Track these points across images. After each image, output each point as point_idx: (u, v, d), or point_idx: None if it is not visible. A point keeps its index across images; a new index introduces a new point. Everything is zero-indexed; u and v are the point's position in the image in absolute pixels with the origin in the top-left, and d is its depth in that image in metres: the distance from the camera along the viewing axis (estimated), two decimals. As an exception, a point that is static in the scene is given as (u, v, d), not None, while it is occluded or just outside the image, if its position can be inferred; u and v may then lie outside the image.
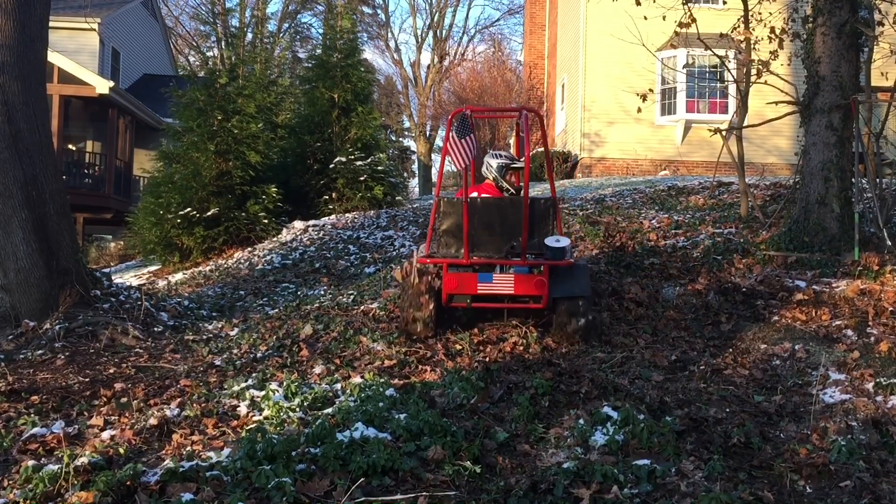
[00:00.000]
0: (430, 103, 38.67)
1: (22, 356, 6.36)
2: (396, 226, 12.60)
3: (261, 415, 4.54)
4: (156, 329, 7.31)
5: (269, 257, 11.47)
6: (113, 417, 4.59)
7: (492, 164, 6.30)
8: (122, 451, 3.94)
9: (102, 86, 21.59)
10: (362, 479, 3.42)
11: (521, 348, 5.66)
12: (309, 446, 3.76)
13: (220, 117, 13.80)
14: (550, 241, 5.59)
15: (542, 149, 6.60)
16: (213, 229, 13.30)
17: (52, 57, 17.35)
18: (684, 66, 17.98)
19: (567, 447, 3.90)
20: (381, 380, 4.90)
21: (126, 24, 26.49)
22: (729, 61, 12.50)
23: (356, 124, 14.83)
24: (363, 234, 12.11)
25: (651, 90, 10.39)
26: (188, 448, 4.00)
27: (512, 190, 6.25)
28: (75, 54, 22.34)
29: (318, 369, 5.44)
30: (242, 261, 11.83)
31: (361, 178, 14.41)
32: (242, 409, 4.67)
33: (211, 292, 9.80)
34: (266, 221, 13.59)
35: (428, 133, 38.68)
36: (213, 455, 3.82)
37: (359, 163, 14.48)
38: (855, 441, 3.95)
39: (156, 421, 4.34)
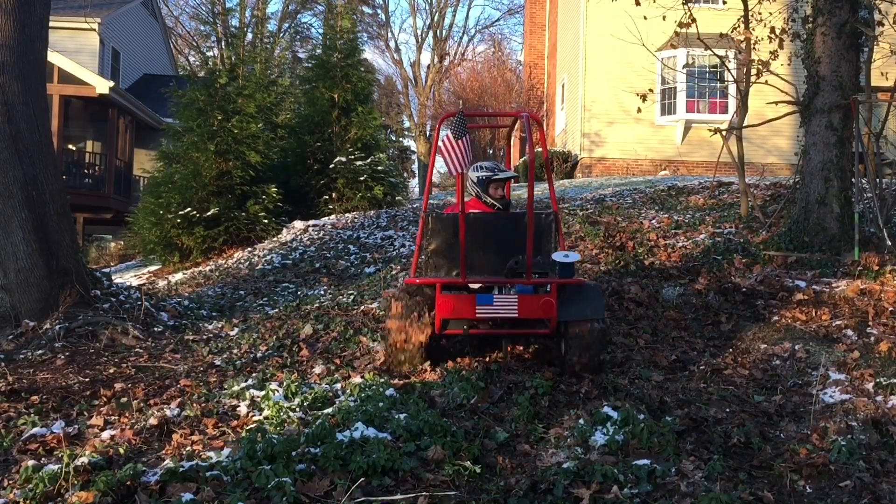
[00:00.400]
0: (430, 103, 38.70)
1: (22, 356, 6.36)
2: (396, 226, 12.60)
3: (261, 415, 4.53)
4: (156, 329, 7.31)
5: (269, 257, 11.47)
6: (113, 417, 4.59)
7: (471, 177, 5.61)
8: (122, 451, 3.94)
9: (102, 86, 21.60)
10: (362, 479, 3.42)
11: (521, 348, 5.66)
12: (309, 446, 3.76)
13: (220, 117, 13.80)
14: (559, 257, 4.96)
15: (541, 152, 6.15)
16: (213, 229, 13.30)
17: (52, 57, 17.35)
18: (684, 66, 17.98)
19: (567, 447, 3.90)
20: (381, 380, 4.90)
21: (126, 24, 26.49)
22: (729, 61, 12.51)
23: (356, 124, 14.84)
24: (363, 234, 12.11)
25: (651, 90, 10.40)
26: (188, 448, 4.00)
27: (497, 204, 5.54)
28: (75, 54, 22.34)
29: (318, 369, 5.44)
30: (242, 261, 11.83)
31: (361, 178, 14.42)
32: (242, 409, 4.67)
33: (211, 292, 9.80)
34: (266, 221, 13.59)
35: (428, 133, 38.68)
36: (213, 455, 3.82)
37: (359, 163, 14.48)
38: (855, 441, 3.95)
39: (156, 421, 4.34)
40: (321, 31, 29.85)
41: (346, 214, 13.86)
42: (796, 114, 8.84)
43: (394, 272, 9.24)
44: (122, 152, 24.00)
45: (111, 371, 5.79)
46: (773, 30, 9.24)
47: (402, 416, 4.05)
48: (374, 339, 6.03)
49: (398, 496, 3.30)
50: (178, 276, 12.02)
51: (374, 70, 22.92)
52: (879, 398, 4.62)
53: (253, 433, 3.98)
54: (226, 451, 3.90)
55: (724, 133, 9.86)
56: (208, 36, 32.42)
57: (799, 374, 5.15)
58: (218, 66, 15.43)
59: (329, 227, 12.93)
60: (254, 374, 5.44)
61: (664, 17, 10.03)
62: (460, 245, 4.81)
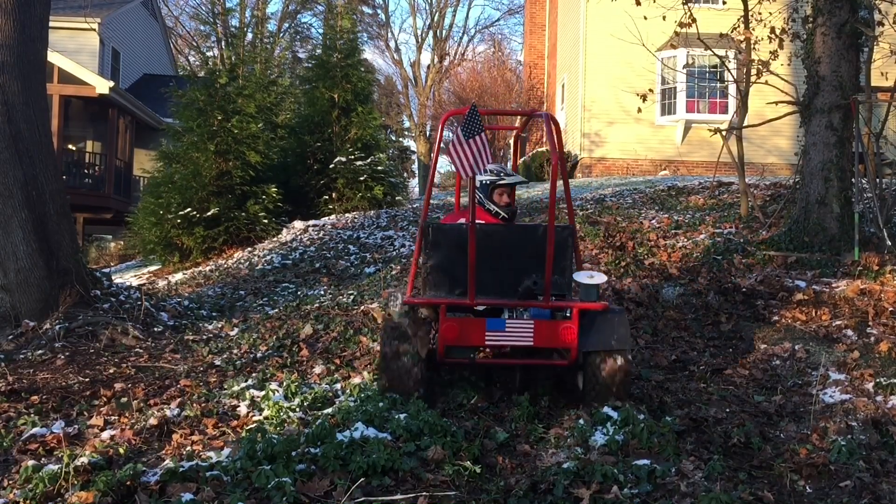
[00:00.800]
0: (430, 103, 38.71)
1: (22, 356, 6.36)
2: (396, 226, 12.60)
3: (261, 415, 4.54)
4: (156, 329, 7.31)
5: (269, 257, 11.47)
6: (113, 417, 4.59)
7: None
8: (122, 451, 3.94)
9: (102, 86, 21.59)
10: (362, 479, 3.42)
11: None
12: (309, 446, 3.76)
13: (220, 117, 13.80)
14: (582, 277, 4.44)
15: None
16: (213, 229, 13.30)
17: (52, 57, 17.35)
18: (684, 66, 17.98)
19: (567, 447, 3.90)
20: (381, 380, 4.89)
21: (126, 24, 26.49)
22: (729, 61, 12.51)
23: (356, 124, 14.84)
24: (363, 234, 12.11)
25: (651, 90, 10.40)
26: (188, 448, 4.00)
27: (503, 213, 4.92)
28: (75, 54, 22.34)
29: (318, 369, 5.44)
30: (242, 261, 11.83)
31: (361, 178, 14.42)
32: (242, 409, 4.67)
33: (211, 292, 9.80)
34: (266, 221, 13.59)
35: (428, 133, 38.69)
36: (213, 455, 3.82)
37: (359, 163, 14.49)
38: (855, 441, 3.95)
39: (156, 421, 4.34)
40: (321, 31, 29.87)
41: (346, 214, 13.86)
42: (796, 114, 8.84)
43: (394, 272, 9.24)
44: (122, 152, 24.00)
45: (111, 371, 5.79)
46: (773, 30, 9.24)
47: (402, 416, 4.05)
48: (374, 340, 6.03)
49: (398, 496, 3.30)
50: (178, 276, 12.02)
51: (374, 70, 22.94)
52: (879, 398, 4.62)
53: (253, 433, 3.98)
54: (226, 451, 3.91)
55: (724, 133, 9.86)
56: (208, 36, 32.43)
57: (799, 374, 5.15)
58: (218, 66, 15.44)
59: (329, 227, 12.93)
60: (254, 374, 5.44)
61: (664, 17, 10.03)
62: (469, 261, 4.14)
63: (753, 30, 9.76)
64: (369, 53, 47.98)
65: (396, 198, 15.33)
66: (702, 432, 4.15)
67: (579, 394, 4.50)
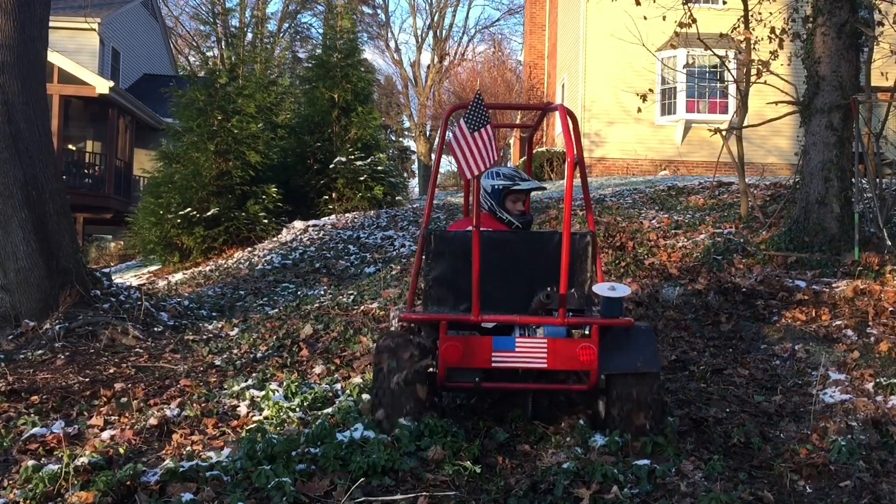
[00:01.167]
0: (430, 103, 38.71)
1: (22, 356, 6.36)
2: (396, 226, 12.61)
3: (261, 415, 4.54)
4: (156, 329, 7.31)
5: (269, 257, 11.47)
6: (113, 417, 4.59)
7: (484, 186, 4.52)
8: (122, 451, 3.94)
9: (102, 86, 21.60)
10: (362, 479, 3.42)
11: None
12: (309, 446, 3.76)
13: (220, 117, 13.81)
14: (602, 289, 3.86)
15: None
16: (213, 229, 13.31)
17: (52, 57, 17.35)
18: (684, 66, 17.98)
19: (567, 447, 3.90)
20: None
21: (126, 24, 26.49)
22: (729, 61, 12.50)
23: (356, 124, 14.85)
24: (363, 234, 12.11)
25: (651, 90, 10.39)
26: (188, 448, 4.00)
27: (516, 222, 4.48)
28: (75, 54, 22.34)
29: (318, 369, 5.44)
30: (242, 261, 11.83)
31: (361, 178, 14.43)
32: (242, 409, 4.67)
33: (211, 292, 9.80)
34: (266, 221, 13.60)
35: (428, 133, 38.69)
36: (213, 455, 3.82)
37: (359, 163, 14.49)
38: (855, 441, 3.95)
39: (156, 421, 4.34)
40: (321, 31, 29.89)
41: (346, 214, 13.87)
42: (796, 114, 8.84)
43: (394, 272, 9.24)
44: (122, 152, 24.01)
45: (111, 371, 5.79)
46: (773, 30, 9.24)
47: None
48: (374, 340, 6.03)
49: (398, 496, 3.30)
50: (178, 276, 12.02)
51: (374, 70, 22.92)
52: (879, 398, 4.62)
53: (253, 433, 3.98)
54: (226, 451, 3.91)
55: (724, 133, 9.86)
56: (208, 36, 32.44)
57: (799, 374, 5.15)
58: (218, 66, 15.45)
59: (329, 227, 12.93)
60: (254, 374, 5.44)
61: (664, 17, 10.03)
62: (473, 271, 3.71)
63: (753, 30, 9.76)
64: (369, 53, 48.05)
65: (396, 198, 15.33)
66: (702, 432, 4.15)
67: (601, 422, 4.01)
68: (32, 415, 4.58)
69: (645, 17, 9.65)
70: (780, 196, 10.58)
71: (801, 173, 8.33)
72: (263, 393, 4.87)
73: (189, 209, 13.28)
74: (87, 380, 5.50)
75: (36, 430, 4.28)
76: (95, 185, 22.87)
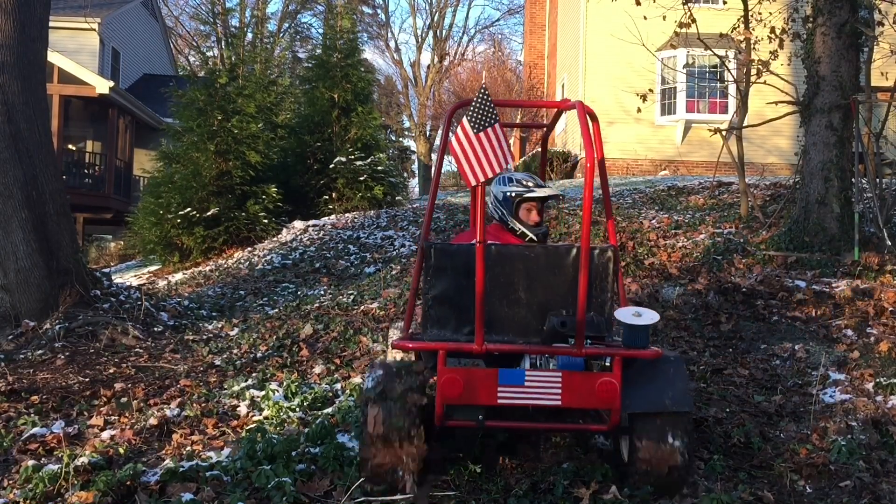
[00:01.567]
0: (430, 103, 38.70)
1: (22, 356, 6.36)
2: (396, 226, 12.61)
3: (261, 415, 4.54)
4: (156, 329, 7.31)
5: (269, 257, 11.47)
6: (113, 417, 4.59)
7: (494, 193, 4.09)
8: (122, 451, 3.94)
9: (102, 86, 21.60)
10: (362, 479, 3.42)
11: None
12: (309, 446, 3.77)
13: (220, 117, 13.81)
14: (626, 316, 3.37)
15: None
16: (213, 229, 13.31)
17: (52, 57, 17.35)
18: (684, 66, 17.97)
19: (567, 447, 3.90)
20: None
21: (126, 24, 26.49)
22: (729, 61, 12.50)
23: (356, 124, 14.84)
24: (363, 234, 12.11)
25: (651, 90, 10.40)
26: (188, 448, 4.00)
27: (530, 234, 4.03)
28: (75, 54, 22.34)
29: (318, 369, 5.44)
30: (242, 261, 11.83)
31: (361, 178, 14.42)
32: (242, 409, 4.68)
33: (211, 292, 9.80)
34: (266, 221, 13.60)
35: (428, 133, 38.70)
36: (213, 455, 3.82)
37: (359, 163, 14.49)
38: (855, 441, 3.95)
39: (156, 421, 4.34)
40: (321, 31, 29.89)
41: (346, 214, 13.87)
42: (796, 114, 8.84)
43: (394, 272, 9.24)
44: (122, 152, 24.01)
45: (111, 371, 5.79)
46: (773, 30, 9.24)
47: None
48: (375, 340, 6.03)
49: (398, 496, 3.30)
50: (178, 276, 12.02)
51: (374, 70, 22.93)
52: (879, 398, 4.62)
53: (253, 433, 3.98)
54: (226, 451, 3.91)
55: (724, 133, 9.86)
56: (208, 36, 32.40)
57: (799, 374, 5.15)
58: (218, 66, 15.45)
59: (329, 227, 12.93)
60: (254, 374, 5.45)
61: (664, 17, 10.03)
62: (476, 292, 3.23)
63: (753, 30, 9.76)
64: (369, 53, 48.04)
65: (396, 198, 15.33)
66: (702, 432, 4.15)
67: (623, 466, 3.54)
68: (32, 415, 4.58)
69: (645, 17, 9.65)
70: (780, 196, 10.59)
71: (801, 173, 8.33)
72: (263, 393, 4.87)
73: (189, 209, 13.28)
74: (87, 380, 5.50)
75: (36, 430, 4.28)
76: (95, 185, 22.87)
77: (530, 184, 4.04)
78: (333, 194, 14.49)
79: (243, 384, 5.12)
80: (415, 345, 3.47)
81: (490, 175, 3.11)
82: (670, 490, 3.38)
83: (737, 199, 10.99)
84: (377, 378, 3.32)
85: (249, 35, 26.06)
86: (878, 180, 8.20)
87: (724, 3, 18.47)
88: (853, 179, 7.90)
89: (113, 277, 9.09)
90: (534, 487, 3.45)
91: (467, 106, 3.30)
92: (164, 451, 4.00)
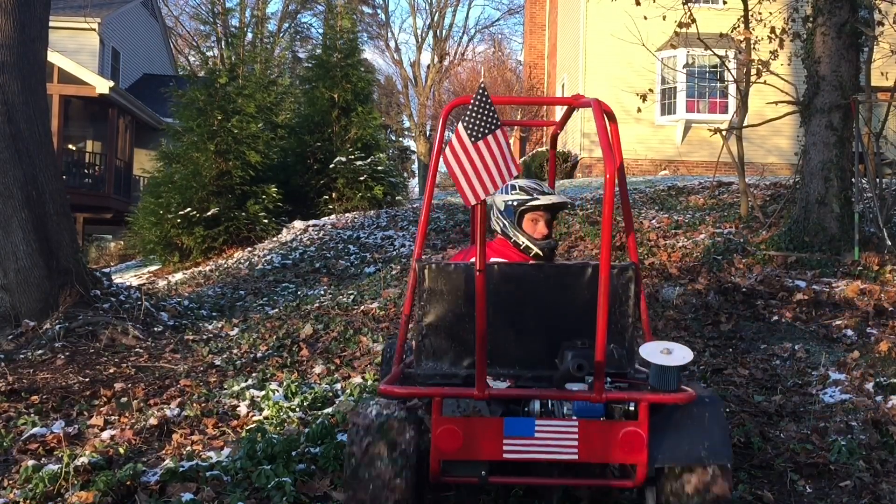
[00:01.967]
0: (430, 103, 38.71)
1: (22, 356, 6.36)
2: (396, 226, 12.61)
3: (261, 415, 4.54)
4: (156, 329, 7.31)
5: (269, 257, 11.47)
6: (113, 417, 4.59)
7: (495, 202, 3.60)
8: (122, 451, 3.94)
9: (102, 86, 21.60)
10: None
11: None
12: (309, 446, 3.77)
13: (220, 117, 13.81)
14: (653, 354, 2.87)
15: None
16: (213, 229, 13.31)
17: (52, 57, 17.35)
18: (684, 66, 17.97)
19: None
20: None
21: (126, 24, 26.49)
22: (729, 61, 12.51)
23: (356, 124, 14.85)
24: (363, 234, 12.11)
25: (651, 90, 10.42)
26: (188, 448, 4.00)
27: (536, 249, 3.52)
28: (75, 54, 22.34)
29: (318, 369, 5.45)
30: (242, 261, 11.83)
31: (361, 178, 14.43)
32: (242, 409, 4.68)
33: (211, 292, 9.80)
34: (266, 221, 13.60)
35: (428, 133, 38.70)
36: (213, 455, 3.82)
37: (359, 163, 14.49)
38: (855, 441, 3.95)
39: (156, 421, 4.34)
40: (321, 31, 29.87)
41: (346, 214, 13.87)
42: (796, 114, 8.85)
43: (394, 272, 9.24)
44: (122, 152, 24.01)
45: (111, 371, 5.79)
46: (773, 30, 9.25)
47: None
48: (375, 340, 6.03)
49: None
50: (178, 276, 12.03)
51: (374, 70, 22.93)
52: (879, 398, 4.62)
53: (253, 433, 3.98)
54: (226, 451, 3.91)
55: (724, 133, 9.87)
56: (208, 36, 32.39)
57: (799, 374, 5.15)
58: (218, 66, 15.45)
59: (329, 227, 12.94)
60: (254, 374, 5.45)
61: (664, 17, 10.03)
62: (477, 330, 2.70)
63: (753, 30, 9.77)
64: (369, 53, 48.04)
65: (396, 198, 15.33)
66: (702, 432, 4.15)
67: None
68: (32, 415, 4.58)
69: (645, 17, 9.66)
70: (780, 196, 10.59)
71: (801, 173, 8.33)
72: (263, 393, 4.87)
73: (189, 209, 13.29)
74: (87, 380, 5.50)
75: (36, 430, 4.28)
76: (95, 185, 22.87)
77: (535, 191, 3.55)
78: (333, 194, 14.49)
79: (243, 384, 5.12)
80: (404, 391, 2.94)
81: (491, 192, 2.65)
82: None
83: (737, 199, 10.99)
84: (358, 437, 2.82)
85: (249, 35, 26.05)
86: (878, 180, 8.20)
87: (724, 3, 18.47)
88: (853, 179, 7.90)
89: (113, 277, 9.10)
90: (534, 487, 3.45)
91: (464, 105, 2.89)
92: (164, 451, 4.00)
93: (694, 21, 9.57)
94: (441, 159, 2.59)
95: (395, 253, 10.80)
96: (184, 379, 5.41)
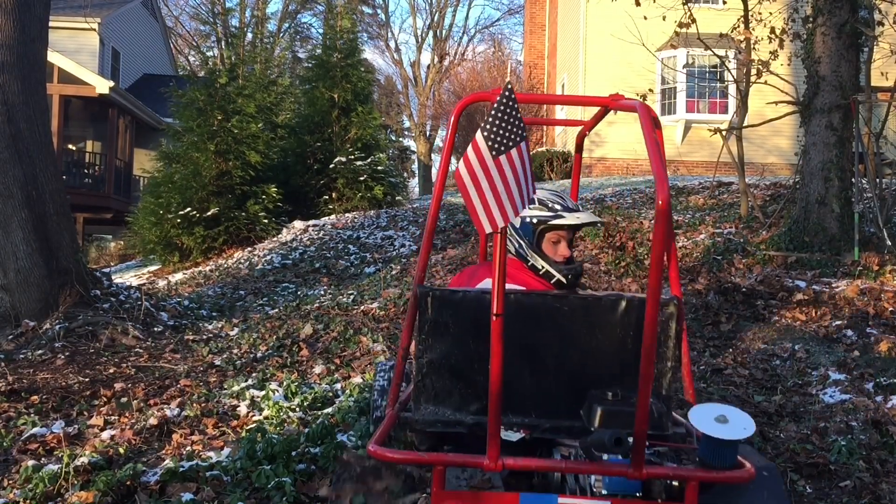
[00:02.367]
0: (430, 103, 38.71)
1: (22, 356, 6.36)
2: (396, 226, 12.61)
3: (261, 415, 4.54)
4: (156, 329, 7.31)
5: (269, 257, 11.47)
6: (113, 417, 4.59)
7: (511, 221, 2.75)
8: (122, 451, 3.94)
9: (102, 86, 21.60)
10: (362, 480, 3.42)
11: None
12: (309, 446, 3.76)
13: (220, 117, 13.81)
14: (703, 421, 2.29)
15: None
16: (213, 229, 13.31)
17: (52, 57, 17.36)
18: (684, 66, 17.98)
19: (567, 447, 3.89)
20: (381, 380, 4.89)
21: (126, 24, 26.50)
22: (729, 61, 12.51)
23: (356, 124, 14.85)
24: (363, 234, 12.11)
25: (651, 90, 10.41)
26: (188, 448, 4.00)
27: (558, 274, 2.94)
28: (75, 54, 22.35)
29: (318, 369, 5.44)
30: (242, 261, 11.83)
31: (361, 178, 14.43)
32: (242, 409, 4.67)
33: (211, 292, 9.80)
34: (266, 221, 13.61)
35: (428, 133, 38.71)
36: (213, 455, 3.82)
37: (359, 163, 14.50)
38: (855, 441, 3.95)
39: (156, 421, 4.34)
40: (321, 31, 29.87)
41: (346, 214, 13.87)
42: (796, 114, 8.85)
43: (394, 272, 9.24)
44: (122, 152, 24.01)
45: (111, 371, 5.79)
46: (773, 30, 9.25)
47: (402, 415, 4.05)
48: (375, 340, 6.03)
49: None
50: (178, 276, 12.02)
51: (374, 70, 22.97)
52: (879, 398, 4.62)
53: (253, 433, 3.98)
54: (226, 451, 3.91)
55: (724, 133, 9.87)
56: (208, 36, 32.44)
57: (799, 374, 5.15)
58: (218, 66, 15.45)
59: (329, 227, 12.94)
60: (254, 374, 5.44)
61: (664, 17, 10.04)
62: (491, 383, 2.18)
63: (753, 30, 9.77)
64: (369, 53, 48.08)
65: (396, 198, 15.34)
66: (702, 432, 4.15)
67: None
68: (32, 415, 4.57)
69: (645, 17, 9.66)
70: (780, 196, 10.59)
71: (801, 173, 8.33)
72: (263, 393, 4.87)
73: (189, 209, 13.29)
74: (87, 380, 5.50)
75: (36, 430, 4.28)
76: (95, 185, 22.87)
77: (558, 206, 2.94)
78: (333, 194, 14.50)
79: (243, 384, 5.11)
80: (398, 456, 2.49)
81: (512, 218, 2.13)
82: None
83: (737, 199, 10.99)
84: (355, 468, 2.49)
85: (249, 35, 26.07)
86: (878, 180, 8.20)
87: (724, 3, 18.48)
88: (853, 179, 7.90)
89: (113, 277, 9.09)
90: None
91: (482, 100, 2.54)
92: (164, 451, 4.00)
93: (694, 21, 9.57)
94: (456, 177, 2.12)
95: (394, 253, 10.80)
96: (184, 379, 5.41)
